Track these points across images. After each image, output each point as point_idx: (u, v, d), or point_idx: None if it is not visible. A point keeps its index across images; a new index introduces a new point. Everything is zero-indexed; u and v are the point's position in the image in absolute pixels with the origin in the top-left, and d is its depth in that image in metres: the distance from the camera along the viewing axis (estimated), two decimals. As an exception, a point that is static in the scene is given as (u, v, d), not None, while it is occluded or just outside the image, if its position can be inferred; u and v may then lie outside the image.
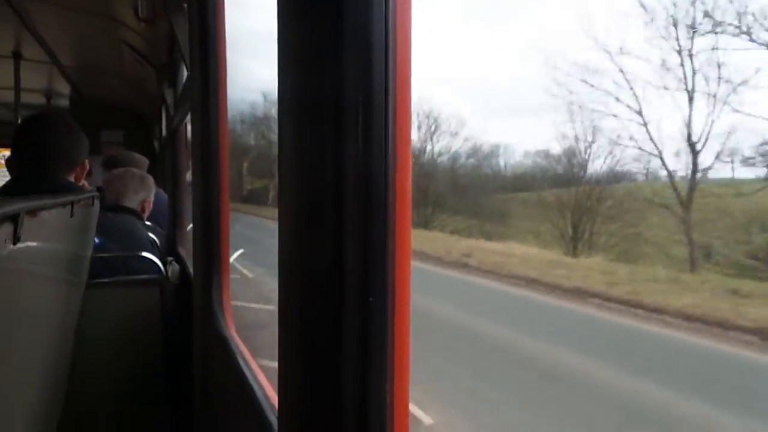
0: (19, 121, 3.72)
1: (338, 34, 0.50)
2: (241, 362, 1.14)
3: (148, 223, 2.80)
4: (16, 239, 0.69)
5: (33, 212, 0.82)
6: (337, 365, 0.52)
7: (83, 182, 2.02)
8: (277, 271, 0.61)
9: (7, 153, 2.46)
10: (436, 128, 26.66)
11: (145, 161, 3.34)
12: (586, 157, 22.90)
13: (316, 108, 0.54)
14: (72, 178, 1.86)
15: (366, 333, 0.52)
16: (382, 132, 0.51)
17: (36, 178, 1.76)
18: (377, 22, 0.50)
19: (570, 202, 21.72)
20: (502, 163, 29.01)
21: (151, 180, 2.82)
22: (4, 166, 2.05)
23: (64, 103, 5.01)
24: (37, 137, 1.80)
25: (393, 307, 0.52)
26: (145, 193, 2.75)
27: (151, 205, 2.83)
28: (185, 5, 1.64)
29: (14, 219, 0.68)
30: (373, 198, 0.51)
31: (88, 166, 1.93)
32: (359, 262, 0.51)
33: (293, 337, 0.59)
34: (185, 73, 2.21)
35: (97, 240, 1.93)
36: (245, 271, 11.72)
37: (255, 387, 1.00)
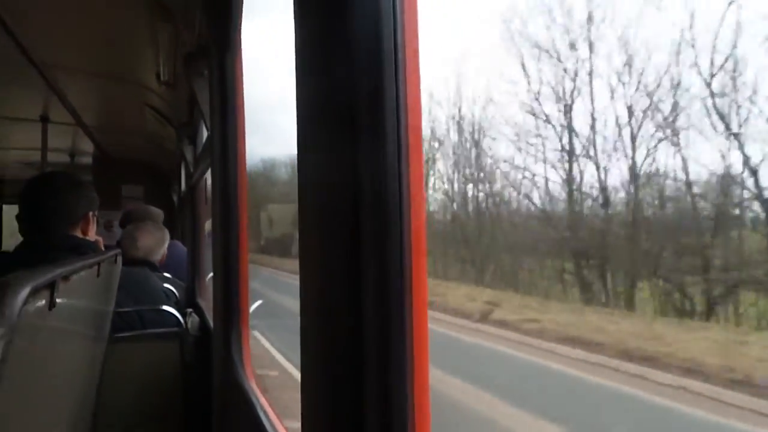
0: None
1: (348, 40, 0.54)
2: (262, 415, 1.15)
3: (167, 275, 2.86)
4: (52, 305, 0.73)
5: (66, 277, 0.86)
6: (361, 414, 0.54)
7: (97, 238, 2.03)
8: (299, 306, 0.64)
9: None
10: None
11: (161, 214, 3.43)
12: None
13: (329, 112, 0.57)
14: (78, 233, 1.88)
15: (386, 378, 0.54)
16: (395, 135, 0.54)
17: (39, 237, 1.79)
18: (386, 27, 0.53)
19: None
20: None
21: (167, 232, 2.93)
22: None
23: (87, 160, 5.19)
24: (34, 197, 1.85)
25: (412, 355, 0.55)
26: (165, 245, 2.86)
27: (165, 256, 2.92)
28: (205, 71, 1.75)
29: (51, 286, 0.72)
30: (390, 219, 0.53)
31: (93, 220, 1.94)
32: (377, 298, 0.54)
33: (315, 392, 0.62)
34: (205, 132, 2.31)
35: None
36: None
37: None
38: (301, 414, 0.64)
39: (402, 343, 0.54)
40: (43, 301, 0.73)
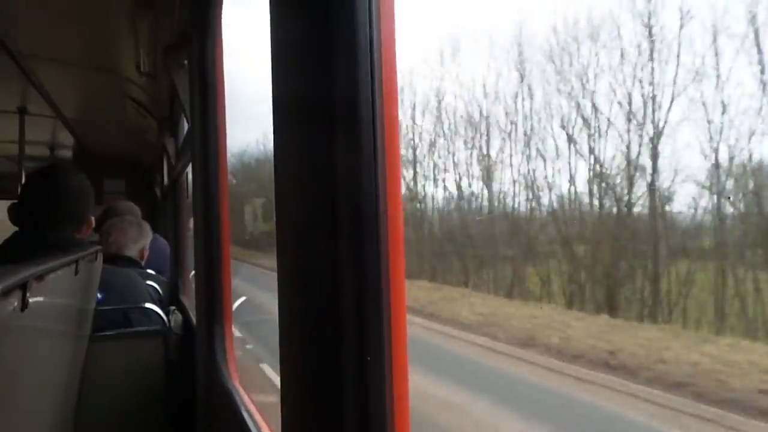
0: (23, 173, 3.75)
1: (325, 39, 0.53)
2: (245, 415, 1.13)
3: (150, 271, 2.80)
4: (24, 305, 0.70)
5: (40, 277, 0.83)
6: (339, 419, 0.52)
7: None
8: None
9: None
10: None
11: (138, 210, 3.35)
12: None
13: (306, 109, 0.56)
14: (81, 234, 1.83)
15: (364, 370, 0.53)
16: (371, 133, 0.53)
17: (42, 235, 1.71)
18: (362, 26, 0.52)
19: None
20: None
21: (147, 226, 2.85)
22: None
23: (67, 154, 5.08)
24: (44, 193, 1.74)
25: (390, 357, 0.53)
26: (143, 241, 2.77)
27: (148, 251, 2.84)
28: (185, 62, 1.70)
29: (23, 287, 0.69)
30: (366, 216, 0.52)
31: (93, 223, 1.90)
32: (355, 306, 0.53)
33: (295, 390, 0.60)
34: (186, 125, 2.26)
35: (99, 295, 1.91)
36: None
37: None
38: (281, 415, 0.62)
39: (380, 339, 0.53)
40: (15, 303, 0.70)
